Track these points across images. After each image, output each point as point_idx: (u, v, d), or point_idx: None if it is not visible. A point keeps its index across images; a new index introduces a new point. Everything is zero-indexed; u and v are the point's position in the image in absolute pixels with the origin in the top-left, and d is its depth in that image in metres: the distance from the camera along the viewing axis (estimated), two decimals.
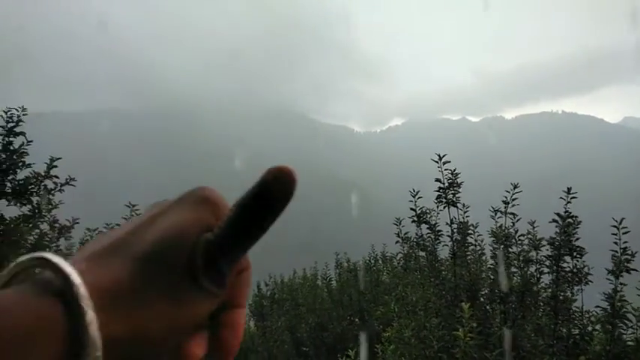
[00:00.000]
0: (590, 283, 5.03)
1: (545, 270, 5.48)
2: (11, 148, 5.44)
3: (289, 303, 10.89)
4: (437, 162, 6.02)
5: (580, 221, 5.31)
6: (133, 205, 6.04)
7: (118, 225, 6.36)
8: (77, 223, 6.66)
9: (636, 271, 4.76)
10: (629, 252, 4.81)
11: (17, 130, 5.46)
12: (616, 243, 4.86)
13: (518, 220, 5.76)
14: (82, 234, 8.07)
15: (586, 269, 5.04)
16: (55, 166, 5.80)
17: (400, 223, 6.83)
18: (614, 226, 4.87)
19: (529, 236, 5.66)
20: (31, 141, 5.51)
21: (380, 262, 11.11)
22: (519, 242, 5.69)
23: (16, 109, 5.43)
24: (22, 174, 5.58)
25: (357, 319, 9.20)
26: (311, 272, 13.33)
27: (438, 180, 6.09)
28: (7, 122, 5.43)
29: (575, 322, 4.96)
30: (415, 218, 6.35)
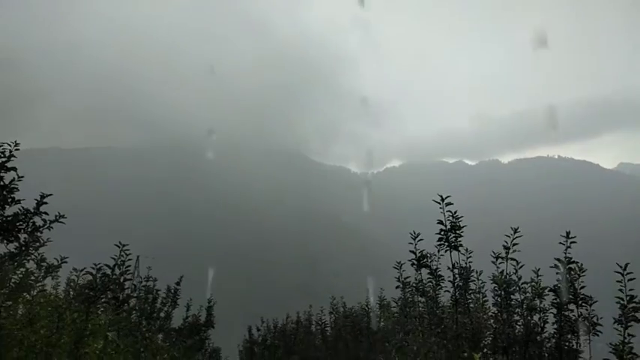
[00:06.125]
0: (599, 333, 4.79)
1: (550, 319, 5.25)
2: (1, 183, 5.30)
3: (282, 350, 10.45)
4: (439, 203, 5.69)
5: (585, 269, 5.13)
6: (123, 245, 5.85)
7: (106, 265, 6.16)
8: (65, 262, 6.44)
9: None
10: (636, 300, 4.61)
11: (8, 165, 5.33)
12: (621, 290, 4.65)
13: (521, 266, 5.57)
14: (69, 273, 7.83)
15: (595, 319, 4.81)
16: (45, 203, 5.65)
17: (401, 267, 6.63)
18: (619, 272, 4.68)
19: (532, 284, 5.47)
20: (22, 177, 5.38)
21: (377, 307, 10.76)
22: (523, 290, 5.49)
23: (8, 144, 5.32)
24: (10, 210, 5.42)
25: None
26: (305, 317, 12.88)
27: (440, 222, 5.78)
28: None
29: None
30: (415, 262, 6.15)
